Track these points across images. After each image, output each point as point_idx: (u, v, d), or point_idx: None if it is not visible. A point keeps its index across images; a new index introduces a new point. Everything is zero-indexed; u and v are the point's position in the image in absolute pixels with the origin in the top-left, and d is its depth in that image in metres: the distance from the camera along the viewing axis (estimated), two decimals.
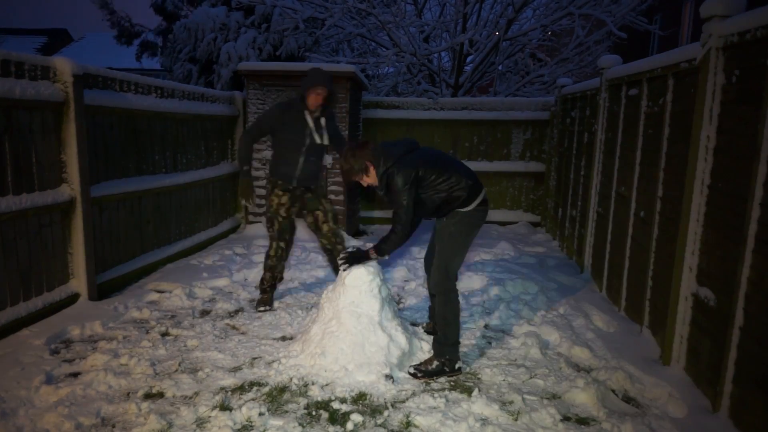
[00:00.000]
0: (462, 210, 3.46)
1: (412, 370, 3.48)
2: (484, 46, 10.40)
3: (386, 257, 3.60)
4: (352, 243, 3.98)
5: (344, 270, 3.63)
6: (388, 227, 3.68)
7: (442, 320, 3.50)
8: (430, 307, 4.12)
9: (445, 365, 3.47)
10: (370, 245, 3.63)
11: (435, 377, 3.45)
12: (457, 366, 3.51)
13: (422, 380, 3.42)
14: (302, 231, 7.02)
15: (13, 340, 3.68)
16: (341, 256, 3.68)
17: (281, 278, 4.93)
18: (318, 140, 4.43)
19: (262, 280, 4.70)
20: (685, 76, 3.60)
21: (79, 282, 4.44)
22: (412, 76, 11.06)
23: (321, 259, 6.06)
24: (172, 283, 5.12)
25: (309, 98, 4.29)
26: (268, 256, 4.64)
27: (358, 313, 3.54)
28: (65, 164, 4.27)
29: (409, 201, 3.34)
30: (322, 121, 4.44)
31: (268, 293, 4.70)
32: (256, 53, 10.63)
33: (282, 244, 4.60)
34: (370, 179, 3.46)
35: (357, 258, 3.60)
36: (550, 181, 7.92)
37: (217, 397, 3.14)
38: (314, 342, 3.58)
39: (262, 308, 4.59)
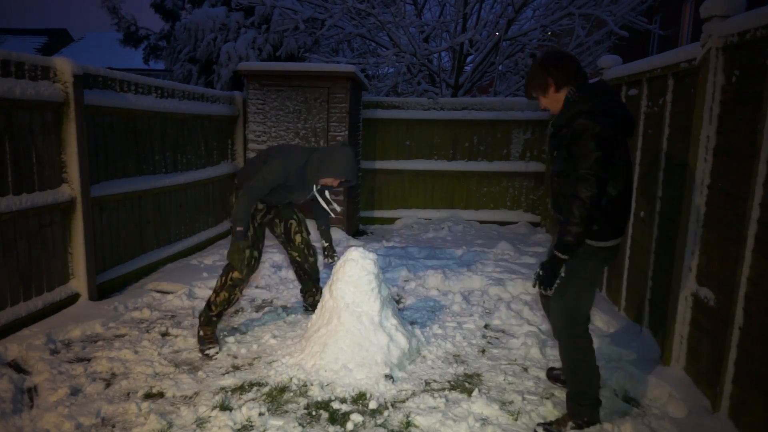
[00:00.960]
0: (597, 244, 2.71)
1: (541, 430, 2.85)
2: (484, 46, 10.40)
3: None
4: (351, 243, 3.97)
5: None
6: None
7: (571, 370, 2.85)
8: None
9: (582, 428, 2.83)
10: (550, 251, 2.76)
11: None
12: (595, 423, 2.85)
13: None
14: None
15: (13, 340, 3.68)
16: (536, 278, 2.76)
17: (238, 299, 3.96)
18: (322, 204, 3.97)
19: (210, 304, 3.75)
20: (685, 76, 3.60)
21: (79, 282, 4.44)
22: (412, 76, 11.07)
23: (321, 258, 6.05)
24: (172, 283, 5.12)
25: (324, 180, 3.73)
26: (233, 269, 3.71)
27: (358, 312, 3.55)
28: (65, 164, 4.27)
29: (602, 168, 2.48)
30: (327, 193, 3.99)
31: (213, 326, 3.79)
32: (256, 53, 10.64)
33: (255, 253, 3.78)
34: (548, 102, 2.75)
35: (552, 272, 2.69)
36: None
37: (217, 397, 3.14)
38: (314, 342, 3.58)
39: (210, 348, 3.67)
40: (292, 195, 3.87)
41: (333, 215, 4.06)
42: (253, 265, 3.77)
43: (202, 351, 3.68)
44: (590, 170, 2.48)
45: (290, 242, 4.23)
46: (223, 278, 3.76)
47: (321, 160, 3.63)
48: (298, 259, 4.31)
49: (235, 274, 3.71)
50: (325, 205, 3.95)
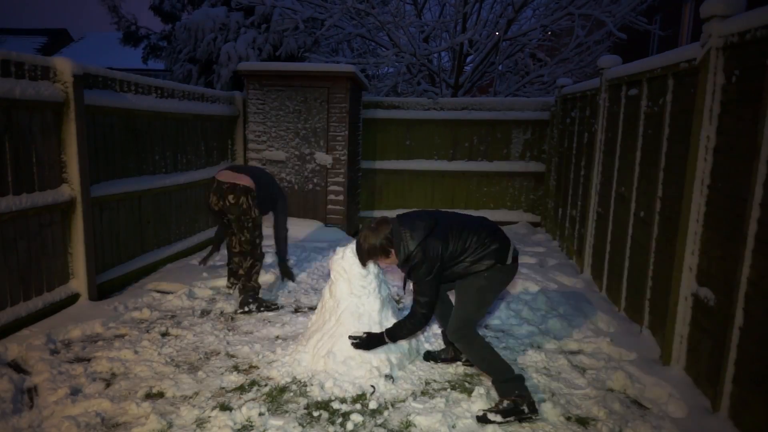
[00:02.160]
0: (497, 265, 3.14)
1: (480, 414, 3.00)
2: (484, 46, 10.41)
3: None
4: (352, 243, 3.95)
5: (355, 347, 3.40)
6: None
7: (481, 362, 3.15)
8: (443, 332, 3.70)
9: (518, 403, 2.97)
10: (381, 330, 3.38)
11: (511, 417, 2.95)
12: (531, 400, 3.00)
13: (499, 423, 2.95)
14: (300, 230, 7.02)
15: (13, 340, 3.68)
16: (354, 339, 3.41)
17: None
18: None
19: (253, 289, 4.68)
20: (685, 76, 3.60)
21: (79, 282, 4.44)
22: (412, 76, 11.07)
23: (321, 258, 6.06)
24: (172, 283, 5.12)
25: None
26: (258, 252, 4.66)
27: (359, 313, 3.54)
28: (65, 164, 4.27)
29: (433, 290, 3.10)
30: None
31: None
32: (256, 53, 10.64)
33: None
34: (389, 261, 3.23)
35: (370, 343, 3.36)
36: (550, 181, 7.92)
37: (217, 397, 3.14)
38: (314, 342, 3.58)
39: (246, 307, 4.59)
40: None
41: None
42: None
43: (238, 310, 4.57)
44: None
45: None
46: (250, 261, 4.64)
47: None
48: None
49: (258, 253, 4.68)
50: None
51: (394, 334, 3.32)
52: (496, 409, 2.98)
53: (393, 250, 3.15)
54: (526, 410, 2.96)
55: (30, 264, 4.01)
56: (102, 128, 4.74)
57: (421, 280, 3.08)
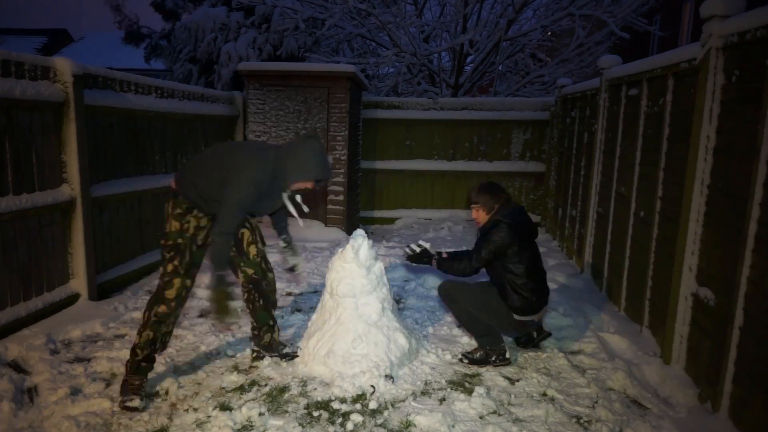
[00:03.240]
0: (515, 316, 3.56)
1: (460, 356, 3.74)
2: (485, 46, 10.41)
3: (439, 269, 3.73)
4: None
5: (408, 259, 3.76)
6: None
7: (463, 320, 3.78)
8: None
9: (489, 355, 3.65)
10: (436, 253, 3.70)
11: (480, 365, 3.64)
12: (502, 356, 3.65)
13: (471, 366, 3.64)
14: (300, 230, 7.02)
15: (13, 340, 3.68)
16: (409, 250, 3.71)
17: (166, 343, 3.25)
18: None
19: (134, 348, 3.10)
20: (685, 76, 3.60)
21: (79, 282, 4.44)
22: (412, 76, 11.08)
23: (321, 258, 6.05)
24: None
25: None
26: (162, 300, 3.09)
27: (358, 312, 3.54)
28: (65, 164, 4.27)
29: (489, 251, 3.49)
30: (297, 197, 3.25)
31: (142, 373, 3.11)
32: (256, 53, 10.65)
33: (188, 282, 3.17)
34: (480, 218, 3.64)
35: (420, 259, 3.70)
36: (550, 181, 7.92)
37: (217, 397, 3.14)
38: (314, 342, 3.58)
39: (130, 401, 2.96)
40: (260, 207, 3.23)
41: (300, 218, 3.38)
42: (184, 297, 3.17)
43: (122, 403, 2.96)
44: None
45: (244, 256, 3.37)
46: (147, 314, 3.11)
47: (286, 163, 3.04)
48: (255, 276, 3.42)
49: (161, 309, 3.09)
50: (294, 212, 3.27)
51: (442, 266, 3.63)
52: (470, 357, 3.69)
53: (486, 212, 3.62)
54: (495, 360, 3.64)
55: (30, 264, 4.01)
56: (102, 128, 4.74)
57: (487, 240, 3.50)
